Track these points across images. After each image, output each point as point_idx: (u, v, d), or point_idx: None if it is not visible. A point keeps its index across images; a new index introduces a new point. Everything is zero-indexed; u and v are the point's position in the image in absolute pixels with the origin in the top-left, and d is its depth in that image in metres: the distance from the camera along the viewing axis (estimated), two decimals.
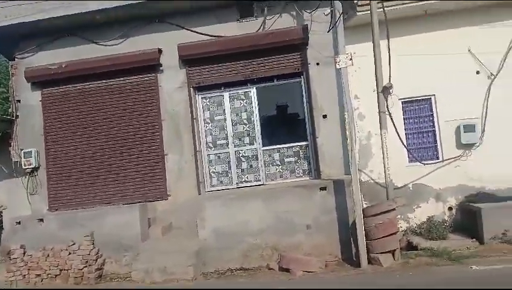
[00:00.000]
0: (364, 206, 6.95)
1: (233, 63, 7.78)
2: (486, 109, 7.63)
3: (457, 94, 7.65)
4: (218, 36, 7.69)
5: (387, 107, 7.25)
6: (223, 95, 7.97)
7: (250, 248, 6.71)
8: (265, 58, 7.70)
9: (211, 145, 7.95)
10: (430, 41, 7.78)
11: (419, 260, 6.29)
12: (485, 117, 7.62)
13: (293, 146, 7.74)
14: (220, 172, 7.86)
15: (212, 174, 7.89)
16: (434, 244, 6.64)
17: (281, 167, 7.73)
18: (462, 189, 7.53)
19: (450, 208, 7.55)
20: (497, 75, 7.70)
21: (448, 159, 7.67)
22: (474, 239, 6.71)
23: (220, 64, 7.81)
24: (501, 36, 7.63)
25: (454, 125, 7.73)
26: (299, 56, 7.64)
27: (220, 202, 6.94)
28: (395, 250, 6.36)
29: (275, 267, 6.50)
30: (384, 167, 6.85)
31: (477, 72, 7.78)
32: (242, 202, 6.92)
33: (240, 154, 7.85)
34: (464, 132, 7.57)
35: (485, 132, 7.58)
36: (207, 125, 8.00)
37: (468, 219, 7.15)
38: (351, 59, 6.94)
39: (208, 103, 8.04)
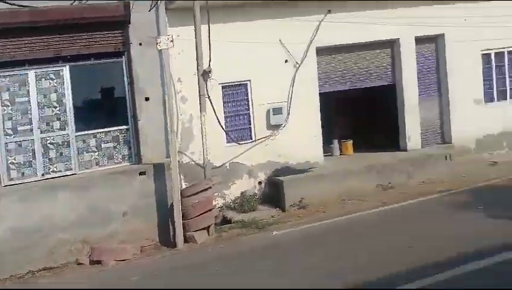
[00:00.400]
0: (184, 187, 7.19)
1: (41, 37, 6.81)
2: (292, 94, 8.73)
3: (268, 80, 8.46)
4: (22, 6, 6.53)
5: (207, 90, 7.57)
6: (27, 74, 6.92)
7: (56, 244, 6.17)
8: (82, 34, 6.99)
9: (10, 131, 6.83)
10: (248, 30, 8.27)
11: (231, 233, 6.91)
12: (290, 101, 8.71)
13: (112, 130, 7.31)
14: (22, 163, 6.83)
15: (11, 165, 6.79)
16: (245, 217, 7.36)
17: (97, 153, 7.22)
18: (270, 165, 8.45)
19: (259, 183, 8.41)
20: (301, 64, 8.83)
21: (260, 138, 8.51)
22: (278, 208, 7.72)
23: (24, 38, 6.73)
24: (306, 29, 8.70)
25: (265, 109, 8.55)
26: (120, 34, 7.18)
27: (18, 196, 6.15)
28: (209, 226, 6.82)
29: (85, 262, 6.18)
30: (203, 148, 7.18)
31: (286, 61, 8.71)
32: (48, 194, 6.28)
33: (48, 142, 6.98)
34: (273, 115, 8.45)
35: (290, 114, 8.61)
36: (5, 108, 6.82)
37: (274, 190, 8.15)
38: (172, 41, 6.91)
39: (7, 83, 6.85)
